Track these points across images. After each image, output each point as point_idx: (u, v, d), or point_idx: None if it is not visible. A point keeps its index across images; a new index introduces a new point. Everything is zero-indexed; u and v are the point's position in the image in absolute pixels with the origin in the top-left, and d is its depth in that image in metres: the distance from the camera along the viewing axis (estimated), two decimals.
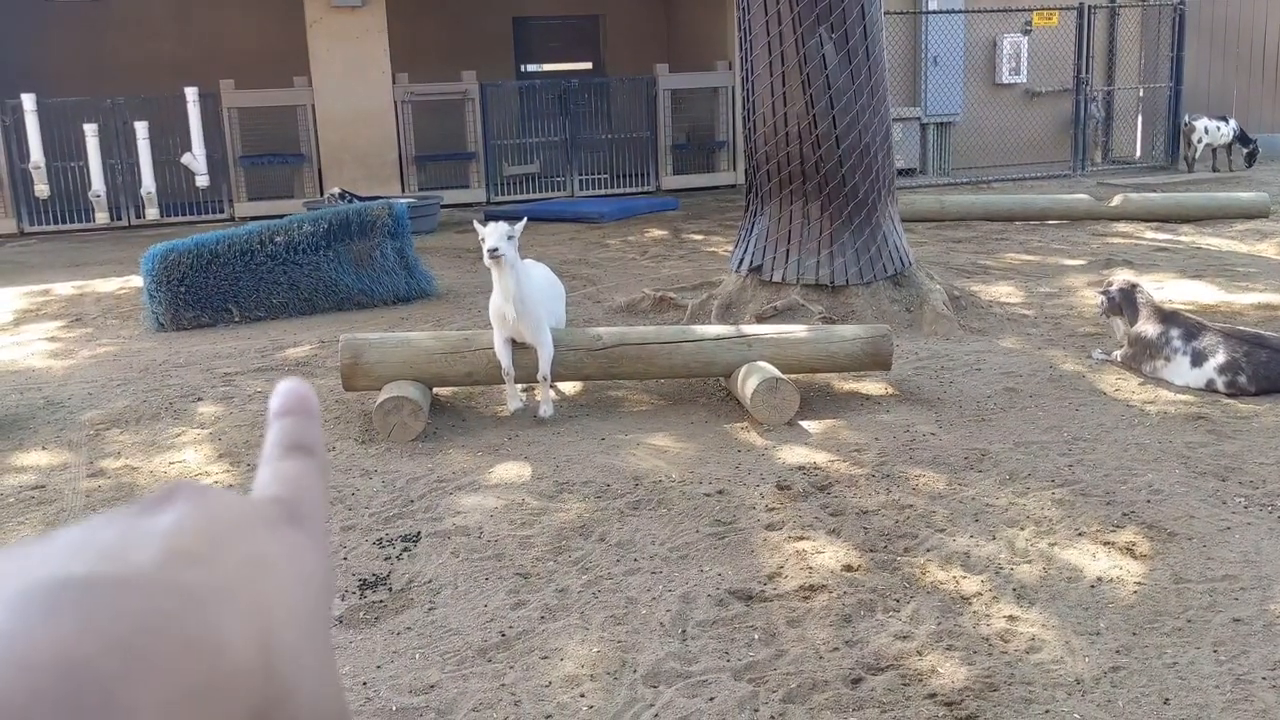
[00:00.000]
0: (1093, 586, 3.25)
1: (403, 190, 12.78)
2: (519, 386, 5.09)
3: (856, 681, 2.80)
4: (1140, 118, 16.11)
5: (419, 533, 3.78)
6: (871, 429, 4.73)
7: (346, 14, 12.72)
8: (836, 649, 2.95)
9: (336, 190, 11.16)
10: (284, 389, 0.43)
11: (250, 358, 6.28)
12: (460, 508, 3.99)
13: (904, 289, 6.54)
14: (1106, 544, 3.52)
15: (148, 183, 12.10)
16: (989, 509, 3.82)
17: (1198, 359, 5.13)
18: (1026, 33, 15.38)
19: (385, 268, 7.67)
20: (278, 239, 7.33)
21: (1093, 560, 3.41)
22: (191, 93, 12.10)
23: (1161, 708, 2.64)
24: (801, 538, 3.64)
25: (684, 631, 3.07)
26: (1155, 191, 11.71)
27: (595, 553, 3.58)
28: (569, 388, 5.43)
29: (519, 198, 13.67)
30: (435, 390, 5.17)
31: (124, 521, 0.34)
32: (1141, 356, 5.37)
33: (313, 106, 12.85)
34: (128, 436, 4.95)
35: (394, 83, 13.04)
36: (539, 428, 4.88)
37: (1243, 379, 5.00)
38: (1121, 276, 6.36)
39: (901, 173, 12.56)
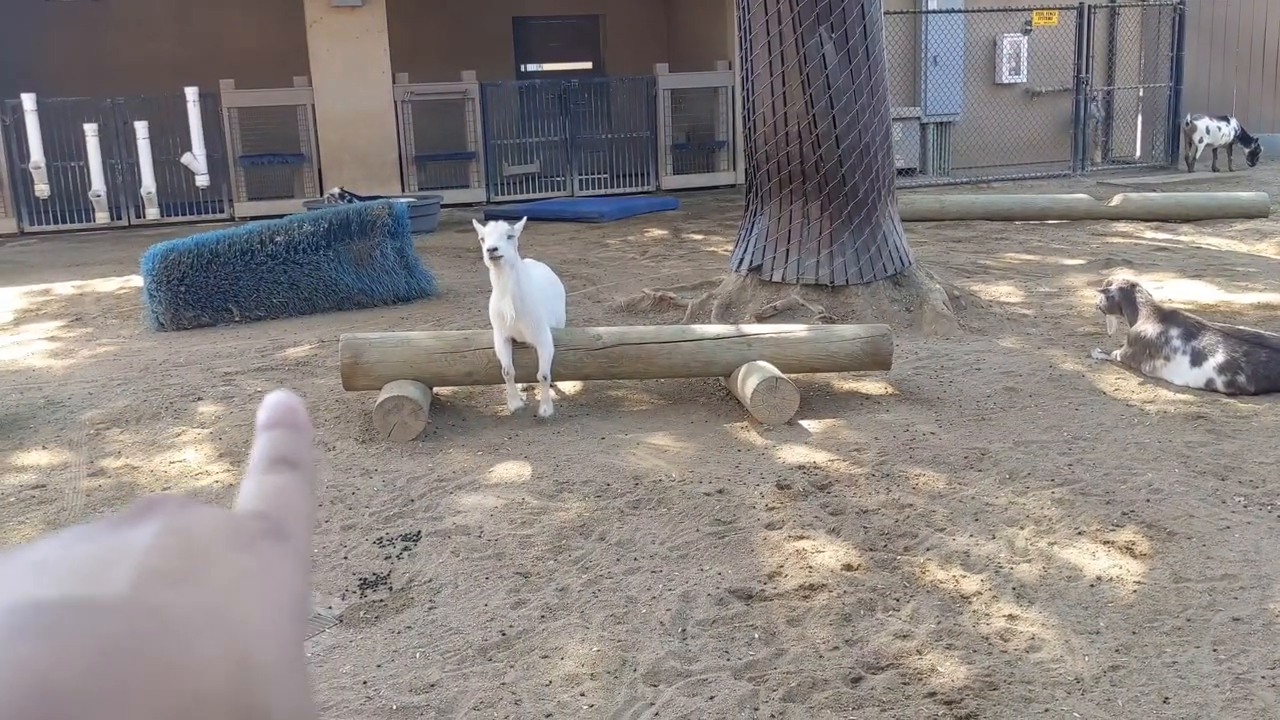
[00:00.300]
0: (1092, 585, 3.25)
1: (403, 190, 12.78)
2: (519, 386, 5.10)
3: (856, 680, 2.80)
4: (1140, 117, 16.11)
5: (419, 532, 3.79)
6: (871, 428, 4.73)
7: (346, 14, 12.72)
8: (836, 648, 2.95)
9: (336, 190, 11.16)
10: (272, 401, 0.44)
11: (250, 357, 6.29)
12: (460, 507, 4.00)
13: (904, 289, 6.55)
14: (1106, 543, 3.52)
15: (148, 182, 12.11)
16: (989, 508, 3.82)
17: (1197, 358, 5.13)
18: (1026, 32, 15.38)
19: (385, 267, 7.67)
20: (278, 239, 7.33)
21: (1092, 559, 3.42)
22: (191, 92, 12.11)
23: (1161, 706, 2.65)
24: (801, 537, 3.64)
25: (684, 630, 3.07)
26: (1155, 191, 11.71)
27: (595, 552, 3.58)
28: (569, 387, 5.43)
29: (519, 197, 13.67)
30: (435, 390, 5.17)
31: (100, 537, 0.34)
32: (1141, 356, 5.37)
33: (313, 106, 12.85)
34: (128, 436, 4.96)
35: (394, 83, 13.05)
36: (539, 427, 4.88)
37: (1242, 378, 5.00)
38: (1121, 276, 6.36)
39: (901, 172, 12.57)
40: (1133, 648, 2.90)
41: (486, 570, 3.49)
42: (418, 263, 7.90)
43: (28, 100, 11.77)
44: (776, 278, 6.53)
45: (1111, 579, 3.29)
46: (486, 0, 16.01)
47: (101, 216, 12.33)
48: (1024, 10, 14.94)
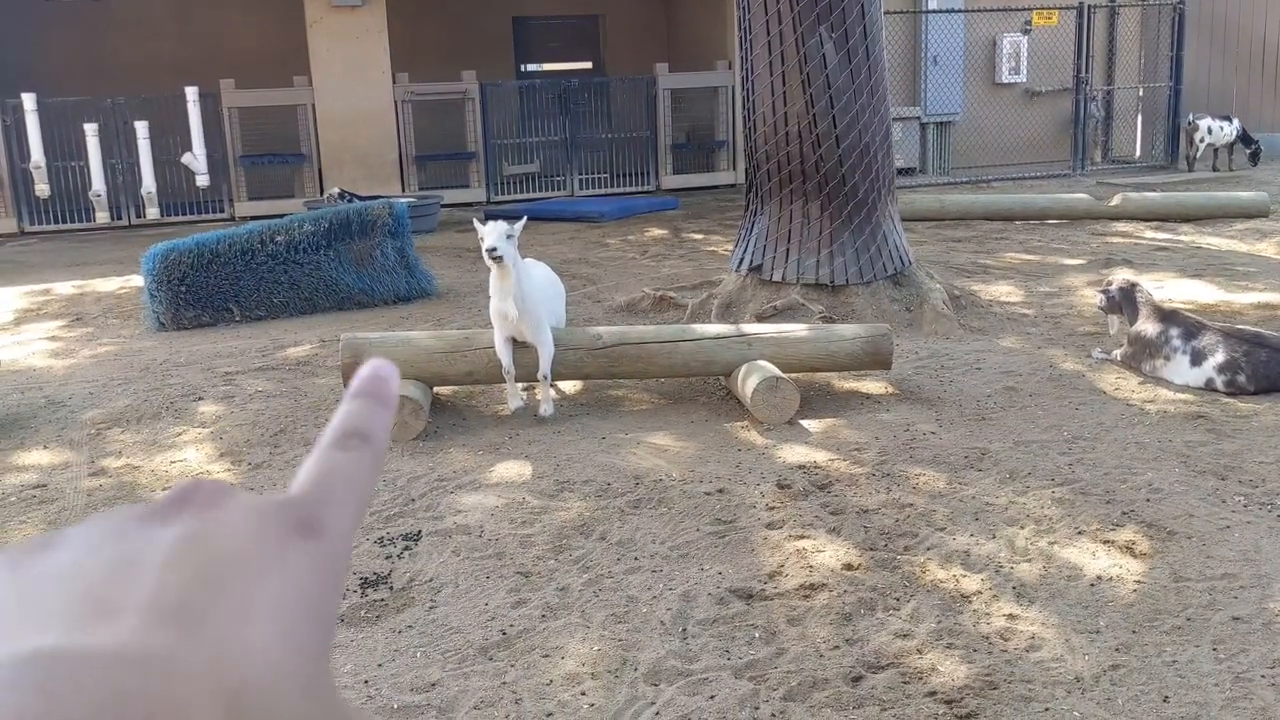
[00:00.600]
0: (1092, 585, 3.26)
1: (403, 190, 12.78)
2: (519, 385, 5.10)
3: (857, 679, 2.80)
4: (1140, 117, 16.11)
5: (420, 531, 3.79)
6: (871, 428, 4.74)
7: (346, 14, 12.72)
8: (837, 647, 2.96)
9: (336, 190, 11.16)
10: (367, 370, 0.42)
11: (251, 357, 6.29)
12: (461, 506, 4.00)
13: (904, 288, 6.55)
14: (1106, 542, 3.53)
15: (148, 182, 12.11)
16: (989, 508, 3.83)
17: (1197, 358, 5.14)
18: (1026, 32, 15.38)
19: (385, 267, 7.67)
20: (278, 238, 7.34)
21: (1092, 559, 3.42)
22: (192, 92, 12.11)
23: (1161, 706, 2.65)
24: (802, 536, 3.64)
25: (685, 630, 3.07)
26: (1155, 191, 11.72)
27: (596, 551, 3.59)
28: (569, 387, 5.43)
29: (519, 197, 13.68)
30: (436, 389, 5.18)
31: (127, 537, 0.34)
32: (1141, 355, 5.37)
33: (313, 106, 12.86)
34: (129, 435, 4.96)
35: (394, 82, 13.05)
36: (539, 427, 4.89)
37: (1242, 378, 5.01)
38: (1121, 276, 6.37)
39: (901, 172, 12.57)
40: (1133, 647, 2.91)
41: (487, 569, 3.49)
42: (418, 262, 7.90)
43: (28, 100, 11.78)
44: (776, 277, 6.54)
45: (1111, 578, 3.29)
46: (486, 0, 16.01)
47: (102, 216, 12.33)
48: (1024, 10, 14.95)
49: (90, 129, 11.86)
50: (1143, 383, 5.26)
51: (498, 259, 4.70)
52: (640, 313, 7.05)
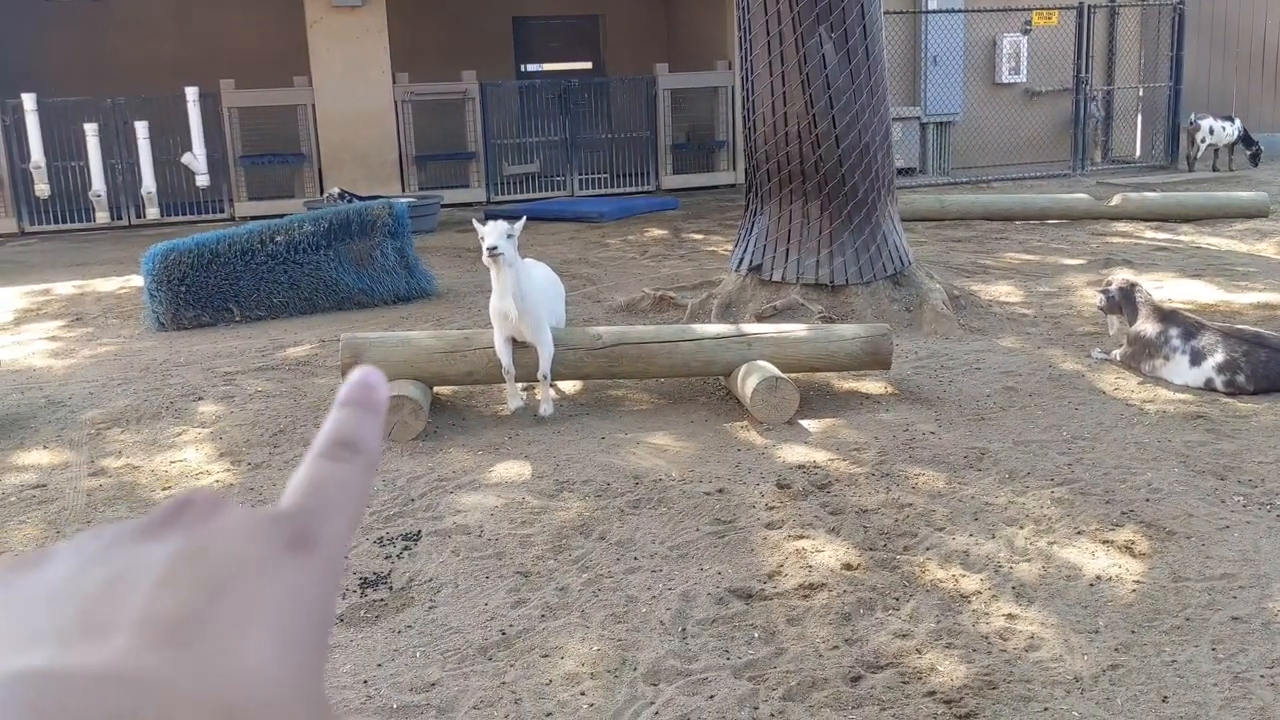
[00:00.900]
0: (1092, 585, 3.26)
1: (403, 190, 12.79)
2: (519, 385, 5.10)
3: (856, 679, 2.80)
4: (1140, 117, 16.11)
5: (419, 531, 3.79)
6: (871, 428, 4.74)
7: (346, 14, 12.73)
8: (836, 647, 2.96)
9: (336, 190, 11.16)
10: (355, 378, 0.42)
11: (251, 357, 6.29)
12: (461, 506, 4.00)
13: (904, 288, 6.55)
14: (1105, 542, 3.53)
15: (148, 182, 12.11)
16: (988, 508, 3.83)
17: (1196, 358, 5.14)
18: (1026, 32, 15.38)
19: (385, 267, 7.68)
20: (278, 238, 7.34)
21: (1092, 559, 3.42)
22: (192, 92, 12.12)
23: (1160, 705, 2.65)
24: (801, 536, 3.64)
25: (684, 630, 3.08)
26: (1155, 191, 11.71)
27: (595, 551, 3.59)
28: (569, 387, 5.43)
29: (519, 197, 13.68)
30: (435, 389, 5.18)
31: (120, 552, 0.34)
32: (1140, 355, 5.38)
33: (313, 106, 12.86)
34: (129, 435, 4.96)
35: (394, 82, 13.05)
36: (539, 427, 4.89)
37: (1241, 378, 5.01)
38: (1121, 275, 6.37)
39: (901, 172, 12.58)
40: (1132, 647, 2.91)
41: (487, 569, 3.49)
42: (418, 262, 7.90)
43: (28, 100, 11.78)
44: (776, 277, 6.54)
45: (1111, 578, 3.29)
46: (486, 0, 16.01)
47: (102, 216, 12.33)
48: (1024, 10, 14.94)
49: (90, 129, 11.86)
50: (1142, 383, 5.26)
51: (498, 258, 4.71)
52: (640, 313, 7.06)
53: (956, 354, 5.86)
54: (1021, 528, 3.66)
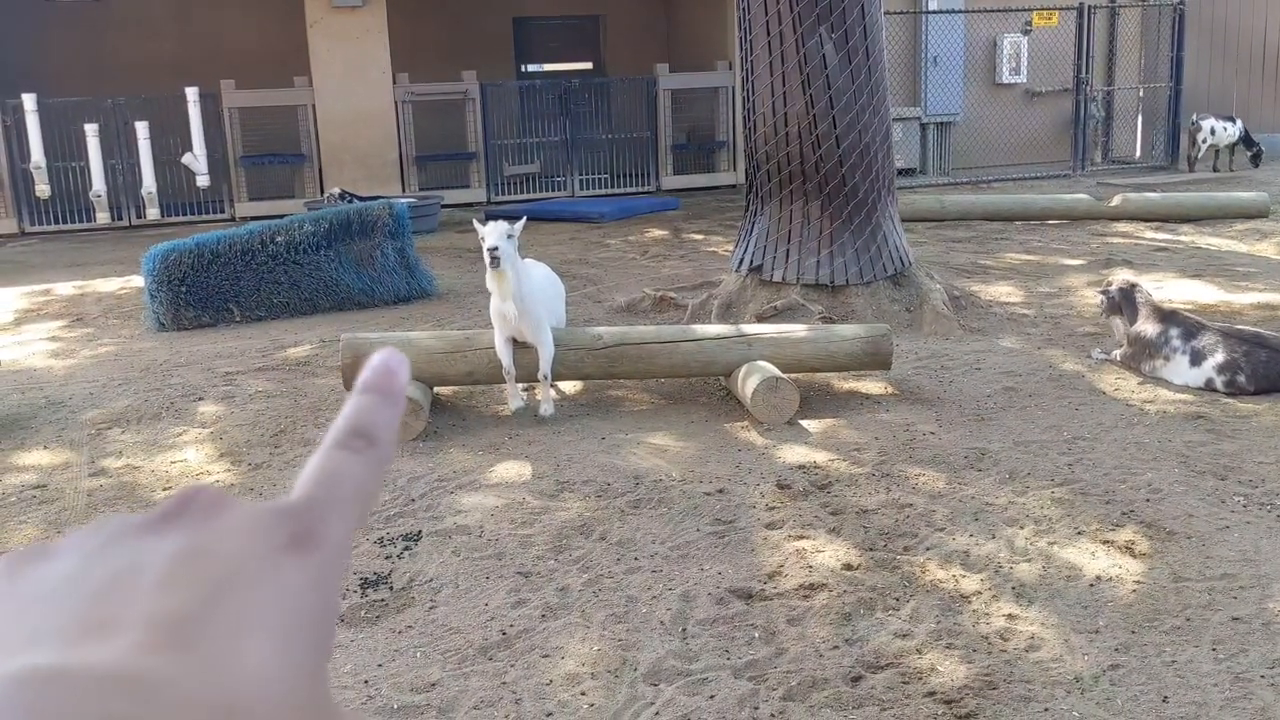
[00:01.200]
0: (1092, 585, 3.26)
1: (403, 190, 12.78)
2: (520, 386, 5.10)
3: (856, 679, 2.81)
4: (1140, 118, 16.11)
5: (420, 531, 3.79)
6: (871, 428, 4.74)
7: (347, 14, 12.73)
8: (836, 647, 2.96)
9: (337, 190, 11.16)
10: (375, 362, 0.41)
11: (251, 357, 6.29)
12: (461, 507, 4.00)
13: (904, 289, 6.55)
14: (1106, 543, 3.53)
15: (148, 183, 12.11)
16: (988, 508, 3.83)
17: (1197, 358, 5.14)
18: (1026, 33, 15.38)
19: (386, 267, 7.68)
20: (279, 239, 7.34)
21: (1092, 559, 3.42)
22: (192, 93, 12.11)
23: (1160, 706, 2.65)
24: (801, 536, 3.64)
25: (684, 630, 3.08)
26: (1155, 191, 11.71)
27: (596, 551, 3.59)
28: (569, 387, 5.43)
29: (519, 198, 13.68)
30: (436, 389, 5.18)
31: (123, 547, 0.34)
32: (1141, 356, 5.38)
33: (313, 106, 12.86)
34: (129, 436, 4.96)
35: (394, 83, 13.05)
36: (539, 427, 4.89)
37: (1242, 378, 5.01)
38: (1121, 276, 6.37)
39: (901, 172, 12.57)
40: (1132, 647, 2.91)
41: (487, 570, 3.49)
42: (418, 263, 7.90)
43: (28, 100, 11.78)
44: (777, 278, 6.54)
45: (1111, 578, 3.29)
46: (486, 0, 16.01)
47: (102, 217, 12.33)
48: (1024, 10, 14.94)
49: (90, 129, 11.86)
50: (1142, 383, 5.26)
51: (498, 258, 4.71)
52: (640, 313, 7.06)
53: (956, 354, 5.86)
54: (1022, 528, 3.66)
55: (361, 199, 10.11)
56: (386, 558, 3.60)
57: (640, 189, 14.07)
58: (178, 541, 0.34)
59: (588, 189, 13.96)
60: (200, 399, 5.48)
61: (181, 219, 12.38)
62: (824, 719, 2.65)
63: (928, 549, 3.53)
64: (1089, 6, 14.27)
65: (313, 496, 0.37)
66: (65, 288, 8.88)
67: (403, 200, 9.16)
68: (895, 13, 13.23)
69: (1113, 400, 5.03)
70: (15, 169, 12.22)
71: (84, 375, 6.04)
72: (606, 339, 5.15)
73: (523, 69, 17.03)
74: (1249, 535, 3.55)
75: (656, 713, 2.70)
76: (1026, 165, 14.79)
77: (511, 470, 4.37)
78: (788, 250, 6.56)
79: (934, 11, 14.56)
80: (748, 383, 4.88)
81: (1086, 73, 14.61)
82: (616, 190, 13.96)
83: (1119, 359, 5.55)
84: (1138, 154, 16.04)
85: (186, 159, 12.32)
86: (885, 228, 6.60)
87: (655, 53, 15.64)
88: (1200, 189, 12.04)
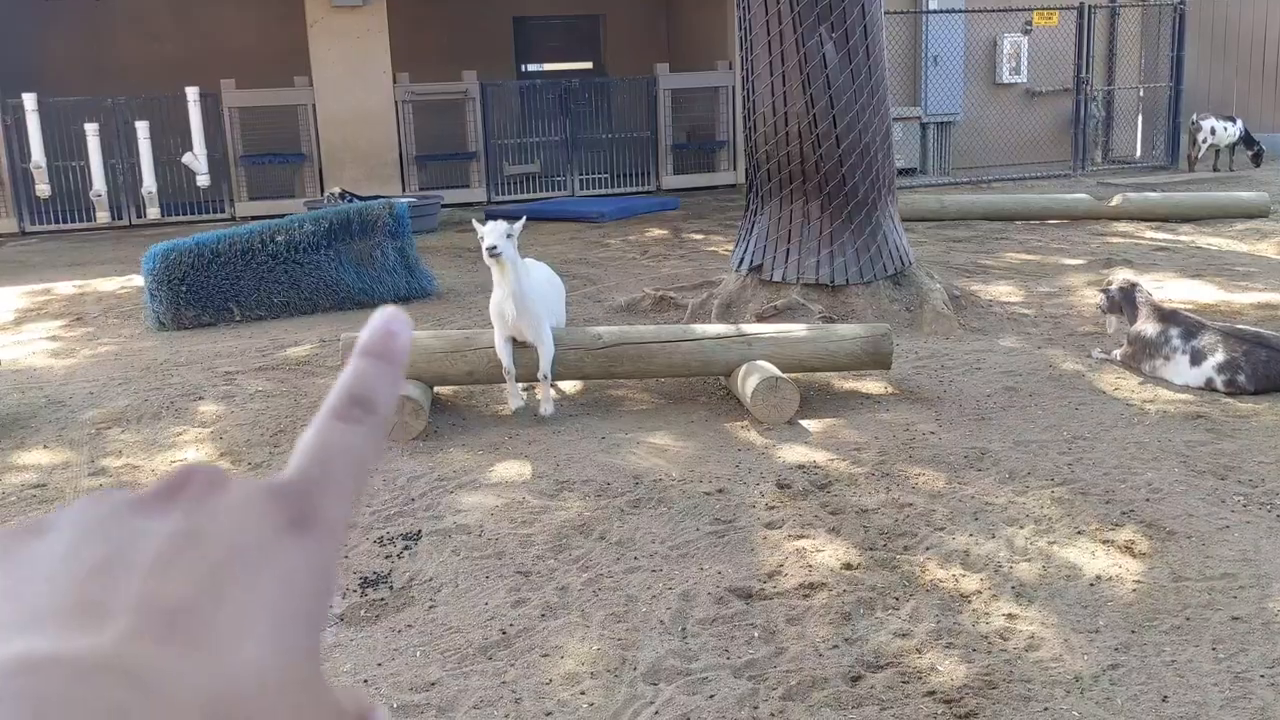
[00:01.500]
0: (1092, 584, 3.26)
1: (403, 190, 12.78)
2: (520, 385, 5.10)
3: (856, 679, 2.81)
4: (1140, 117, 16.11)
5: (420, 531, 3.79)
6: (871, 428, 4.74)
7: (347, 14, 12.73)
8: (836, 647, 2.96)
9: (337, 190, 11.16)
10: (376, 322, 0.40)
11: (251, 357, 6.29)
12: (461, 506, 4.00)
13: (904, 288, 6.55)
14: (1105, 542, 3.53)
15: (149, 182, 12.11)
16: (988, 507, 3.83)
17: (1197, 358, 5.14)
18: (1026, 32, 15.38)
19: (386, 267, 7.68)
20: (279, 238, 7.34)
21: (1092, 558, 3.42)
22: (192, 92, 12.11)
23: (1160, 705, 2.65)
24: (801, 536, 3.64)
25: (684, 629, 3.08)
26: (1155, 191, 11.71)
27: (595, 551, 3.59)
28: (569, 386, 5.43)
29: (519, 197, 13.68)
30: (436, 389, 5.18)
31: (120, 526, 0.33)
32: (1141, 355, 5.38)
33: (313, 106, 12.86)
34: (129, 435, 4.96)
35: (394, 82, 13.05)
36: (539, 426, 4.89)
37: (1242, 378, 5.01)
38: (1121, 276, 6.37)
39: (901, 172, 12.56)
40: (1132, 646, 2.91)
41: (487, 569, 3.49)
42: (418, 262, 7.90)
43: (29, 100, 11.77)
44: (777, 277, 6.54)
45: (1111, 578, 3.29)
46: (487, 0, 16.01)
47: (102, 216, 12.33)
48: (1024, 10, 14.94)
49: (91, 129, 11.86)
50: (1142, 383, 5.26)
51: (498, 258, 4.71)
52: (640, 313, 7.06)
53: (957, 354, 5.86)
54: (1021, 527, 3.66)
55: (361, 198, 10.10)
56: (386, 557, 3.60)
57: (640, 189, 14.08)
58: (174, 522, 0.34)
59: (588, 189, 13.96)
60: (200, 398, 5.48)
61: (181, 218, 12.37)
62: (823, 718, 2.65)
63: (927, 548, 3.53)
64: (1089, 6, 14.27)
65: (309, 473, 0.36)
66: (65, 287, 8.88)
67: (403, 200, 9.16)
68: (895, 12, 13.22)
69: (1113, 400, 5.03)
70: (15, 168, 12.22)
71: (84, 374, 6.04)
72: (606, 339, 5.15)
73: (523, 69, 17.03)
74: (1249, 535, 3.55)
75: (656, 712, 2.70)
76: (1026, 165, 14.79)
77: (511, 470, 4.37)
78: (788, 250, 6.56)
79: (934, 11, 14.56)
80: (748, 382, 4.88)
81: (1087, 72, 14.61)
82: (616, 190, 13.96)
83: (1119, 359, 5.55)
84: (1138, 154, 16.04)
85: (186, 159, 12.32)
86: (885, 227, 6.60)
87: (655, 53, 15.64)
88: (1200, 189, 12.04)
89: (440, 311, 7.37)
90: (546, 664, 2.93)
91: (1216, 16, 16.50)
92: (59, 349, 6.75)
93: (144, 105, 12.33)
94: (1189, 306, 6.36)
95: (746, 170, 7.08)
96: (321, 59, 12.76)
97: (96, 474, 4.49)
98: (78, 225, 12.48)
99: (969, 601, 3.18)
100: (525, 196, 13.72)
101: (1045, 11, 15.03)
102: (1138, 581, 3.26)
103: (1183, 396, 5.02)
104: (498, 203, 13.29)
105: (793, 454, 4.44)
